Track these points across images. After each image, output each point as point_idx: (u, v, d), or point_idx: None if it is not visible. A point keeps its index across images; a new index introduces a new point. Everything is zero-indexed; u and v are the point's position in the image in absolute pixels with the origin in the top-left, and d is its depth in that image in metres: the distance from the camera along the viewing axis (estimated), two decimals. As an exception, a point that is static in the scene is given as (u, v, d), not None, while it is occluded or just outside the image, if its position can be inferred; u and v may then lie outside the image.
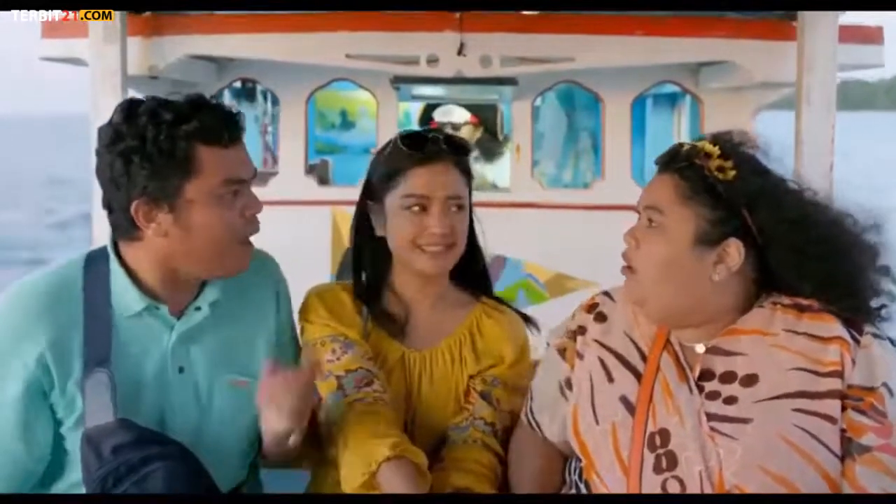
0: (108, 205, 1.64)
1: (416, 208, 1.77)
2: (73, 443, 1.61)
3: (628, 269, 1.55)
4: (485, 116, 7.08)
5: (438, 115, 6.76)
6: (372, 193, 1.87)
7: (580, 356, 1.64)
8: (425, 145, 1.78)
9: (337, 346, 1.80)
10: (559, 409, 1.68)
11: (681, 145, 1.53)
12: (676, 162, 1.51)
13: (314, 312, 1.86)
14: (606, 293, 1.68)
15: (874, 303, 1.49)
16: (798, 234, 1.44)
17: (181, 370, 1.70)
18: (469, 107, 6.96)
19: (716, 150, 1.47)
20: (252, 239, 1.73)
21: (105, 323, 1.64)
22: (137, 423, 1.59)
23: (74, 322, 1.63)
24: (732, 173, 1.45)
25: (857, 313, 1.46)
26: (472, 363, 1.86)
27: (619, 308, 1.64)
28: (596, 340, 1.62)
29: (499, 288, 5.17)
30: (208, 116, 1.59)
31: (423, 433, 1.82)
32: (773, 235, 1.45)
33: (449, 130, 6.64)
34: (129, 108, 1.60)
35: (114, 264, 1.68)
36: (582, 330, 1.66)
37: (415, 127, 5.56)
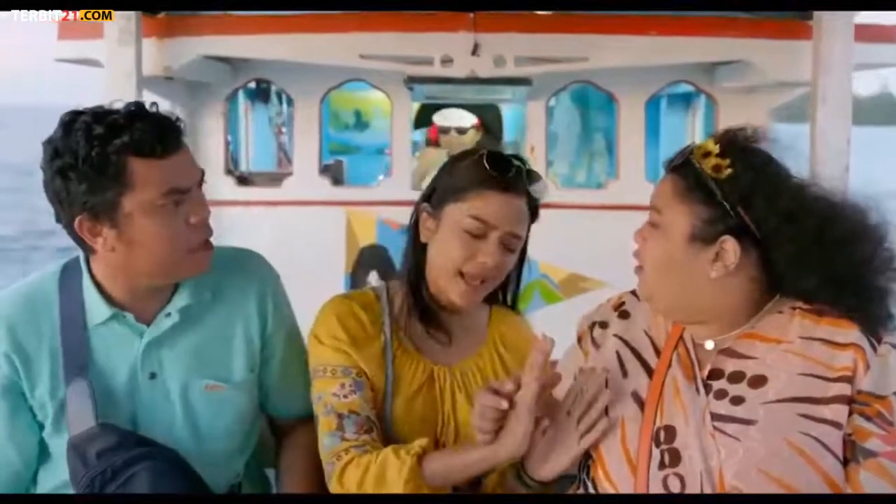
0: (58, 219, 1.64)
1: (476, 232, 1.69)
2: (54, 447, 1.65)
3: (638, 267, 1.56)
4: (486, 119, 7.04)
5: (439, 119, 6.65)
6: (432, 197, 1.78)
7: (596, 346, 1.64)
8: (509, 170, 1.71)
9: (347, 382, 1.71)
10: None
11: (691, 145, 1.52)
12: (676, 160, 1.50)
13: (329, 333, 1.76)
14: (633, 292, 1.68)
15: (884, 304, 1.45)
16: (795, 226, 1.41)
17: (153, 376, 1.70)
18: (470, 108, 6.92)
19: (715, 149, 1.45)
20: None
21: (81, 333, 1.66)
22: (119, 427, 1.61)
23: (43, 331, 1.65)
24: (728, 171, 1.43)
25: (864, 313, 1.43)
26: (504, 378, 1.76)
27: (641, 306, 1.64)
28: (616, 335, 1.62)
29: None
30: (141, 128, 1.56)
31: None
32: (771, 229, 1.42)
33: (454, 135, 6.57)
34: (66, 123, 1.58)
35: (84, 274, 1.69)
36: (604, 325, 1.66)
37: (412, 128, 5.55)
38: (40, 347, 1.64)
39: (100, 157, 1.53)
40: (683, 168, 1.48)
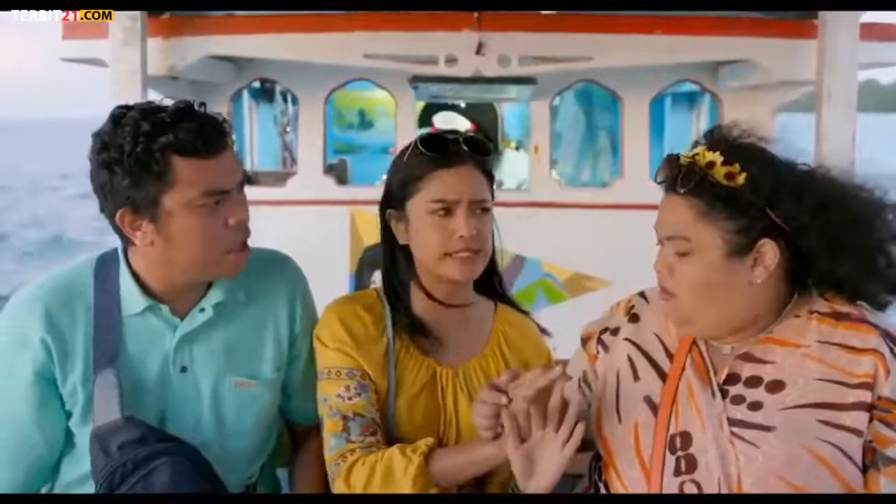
0: (102, 210, 1.66)
1: (442, 213, 1.70)
2: (80, 437, 1.66)
3: (666, 293, 1.51)
4: (482, 123, 7.03)
5: (439, 122, 6.66)
6: (391, 201, 1.79)
7: (606, 350, 1.63)
8: (446, 147, 1.72)
9: (352, 385, 1.72)
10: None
11: (675, 158, 1.48)
12: (685, 183, 1.45)
13: (332, 336, 1.77)
14: (642, 294, 1.66)
15: None
16: (823, 215, 1.40)
17: (184, 370, 1.71)
18: (468, 110, 6.91)
19: (718, 158, 1.43)
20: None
21: (114, 322, 1.67)
22: (143, 421, 1.62)
23: (78, 318, 1.66)
24: (742, 176, 1.41)
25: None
26: None
27: (651, 308, 1.62)
28: (627, 339, 1.61)
29: (518, 287, 5.20)
30: (186, 128, 1.57)
31: None
32: (800, 223, 1.41)
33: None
34: (115, 118, 1.60)
35: (122, 265, 1.71)
36: (615, 331, 1.64)
37: (416, 127, 5.56)
38: (76, 334, 1.65)
39: (144, 154, 1.56)
40: (696, 187, 1.44)
